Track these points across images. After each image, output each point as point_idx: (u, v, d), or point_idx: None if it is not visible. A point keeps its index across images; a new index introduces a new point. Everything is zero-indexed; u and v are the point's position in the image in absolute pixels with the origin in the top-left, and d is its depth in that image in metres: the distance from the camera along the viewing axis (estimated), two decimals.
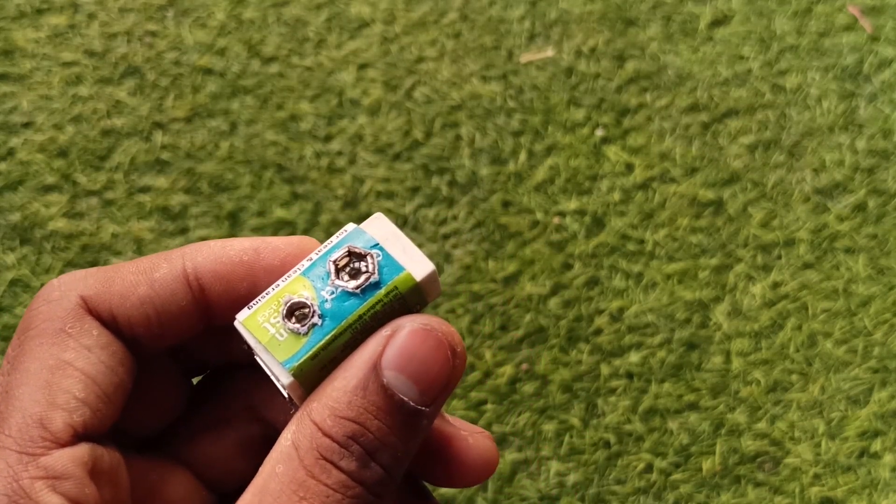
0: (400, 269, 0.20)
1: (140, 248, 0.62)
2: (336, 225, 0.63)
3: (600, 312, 0.61)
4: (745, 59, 0.71)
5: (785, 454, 0.58)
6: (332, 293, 0.20)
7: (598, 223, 0.64)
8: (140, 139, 0.66)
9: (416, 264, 0.20)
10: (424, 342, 0.19)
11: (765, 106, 0.69)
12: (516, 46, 0.71)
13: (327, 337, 0.19)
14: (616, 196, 0.65)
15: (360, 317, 0.20)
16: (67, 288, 0.20)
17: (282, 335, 0.20)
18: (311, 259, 0.21)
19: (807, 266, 0.64)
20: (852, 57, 0.71)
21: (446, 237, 0.63)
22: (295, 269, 0.21)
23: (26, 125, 0.66)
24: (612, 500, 0.57)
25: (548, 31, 0.71)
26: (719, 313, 0.62)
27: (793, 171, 0.67)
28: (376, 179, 0.65)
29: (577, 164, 0.66)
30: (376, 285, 0.20)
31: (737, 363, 0.60)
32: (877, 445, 0.59)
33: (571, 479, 0.57)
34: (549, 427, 0.58)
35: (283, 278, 0.20)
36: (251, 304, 0.20)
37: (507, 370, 0.59)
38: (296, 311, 0.20)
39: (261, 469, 0.19)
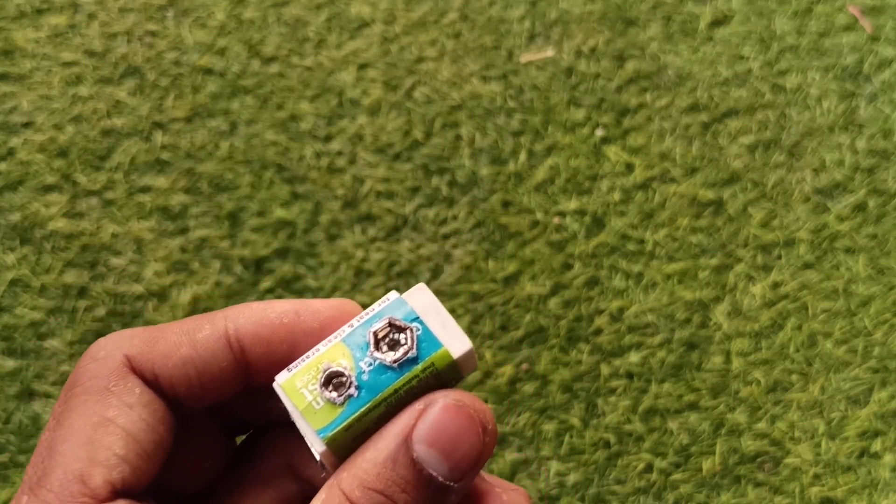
0: (438, 345, 0.20)
1: (140, 248, 0.62)
2: (336, 225, 0.63)
3: (600, 312, 0.61)
4: (745, 59, 0.71)
5: (785, 454, 0.58)
6: (371, 364, 0.20)
7: (598, 223, 0.64)
8: (140, 139, 0.66)
9: (455, 341, 0.21)
10: (456, 418, 0.19)
11: (765, 106, 0.69)
12: (516, 46, 0.71)
13: (362, 409, 0.20)
14: (616, 196, 0.65)
15: (396, 391, 0.20)
16: (113, 347, 0.21)
17: (318, 403, 0.20)
18: (352, 326, 0.21)
19: (807, 266, 0.64)
20: (852, 57, 0.71)
21: (446, 237, 0.63)
22: (336, 334, 0.21)
23: (26, 125, 0.66)
24: (612, 500, 0.57)
25: (548, 31, 0.71)
26: (719, 313, 0.62)
27: (793, 171, 0.67)
28: (376, 179, 0.65)
29: (577, 164, 0.66)
30: (414, 360, 0.20)
31: (737, 363, 0.60)
32: (877, 445, 0.59)
33: (571, 479, 0.57)
34: (549, 427, 0.58)
35: (323, 342, 0.21)
36: (291, 366, 0.21)
37: (507, 370, 0.59)
38: (333, 380, 0.20)
39: None
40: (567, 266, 0.63)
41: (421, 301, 0.21)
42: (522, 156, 0.66)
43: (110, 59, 0.69)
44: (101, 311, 0.60)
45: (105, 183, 0.64)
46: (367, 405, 0.20)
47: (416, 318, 0.21)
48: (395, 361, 0.20)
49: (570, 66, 0.70)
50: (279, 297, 0.61)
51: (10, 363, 0.58)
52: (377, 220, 0.63)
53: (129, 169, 0.65)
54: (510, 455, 0.57)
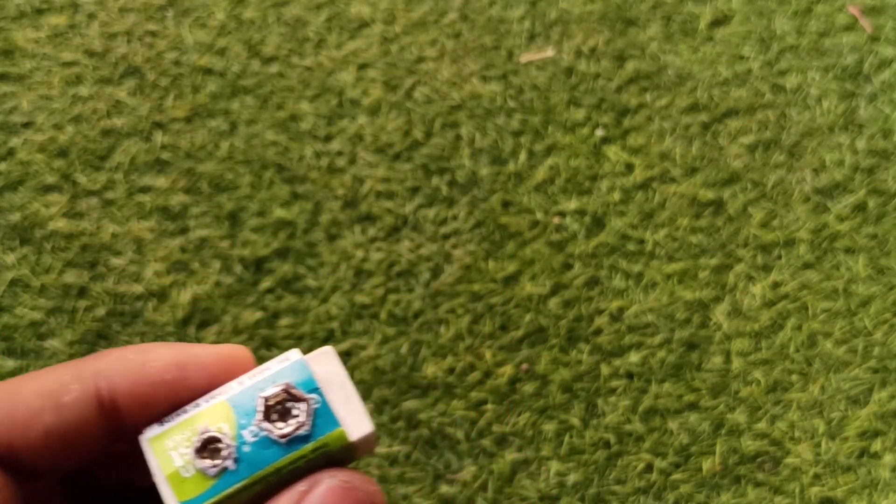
0: (335, 424, 0.18)
1: (140, 248, 0.62)
2: (336, 225, 0.63)
3: (600, 312, 0.61)
4: (745, 59, 0.71)
5: (785, 454, 0.58)
6: (255, 435, 0.18)
7: (598, 223, 0.64)
8: (140, 139, 0.66)
9: (355, 421, 0.18)
10: (343, 501, 0.17)
11: (765, 106, 0.69)
12: (516, 46, 0.71)
13: (236, 486, 0.18)
14: (616, 196, 0.65)
15: (279, 469, 0.18)
16: None
17: (188, 471, 0.18)
18: (242, 384, 0.19)
19: (807, 266, 0.64)
20: (852, 57, 0.71)
21: (446, 237, 0.63)
22: (222, 389, 0.19)
23: (26, 125, 0.66)
24: (612, 500, 0.57)
25: (548, 31, 0.71)
26: (719, 313, 0.62)
27: (793, 171, 0.67)
28: (376, 179, 0.65)
29: (577, 164, 0.66)
30: (305, 438, 0.18)
31: (737, 363, 0.60)
32: (877, 445, 0.59)
33: (571, 479, 0.57)
34: (549, 427, 0.58)
35: (206, 397, 0.19)
36: (165, 419, 0.18)
37: (507, 370, 0.59)
38: (209, 446, 0.18)
39: None
40: (567, 266, 0.63)
41: (325, 368, 0.19)
42: (522, 156, 0.66)
43: (110, 59, 0.69)
44: (101, 311, 0.60)
45: (105, 183, 0.64)
46: (243, 482, 0.18)
47: (316, 389, 0.18)
48: (283, 437, 0.18)
49: (570, 66, 0.70)
50: (279, 297, 0.61)
51: (10, 363, 0.58)
52: (377, 220, 0.63)
53: (129, 169, 0.65)
54: (510, 455, 0.57)
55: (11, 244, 0.62)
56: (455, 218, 0.64)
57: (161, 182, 0.64)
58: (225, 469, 0.18)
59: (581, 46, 0.71)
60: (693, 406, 0.59)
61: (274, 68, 0.69)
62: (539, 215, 0.64)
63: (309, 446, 0.18)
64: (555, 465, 0.57)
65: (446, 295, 0.61)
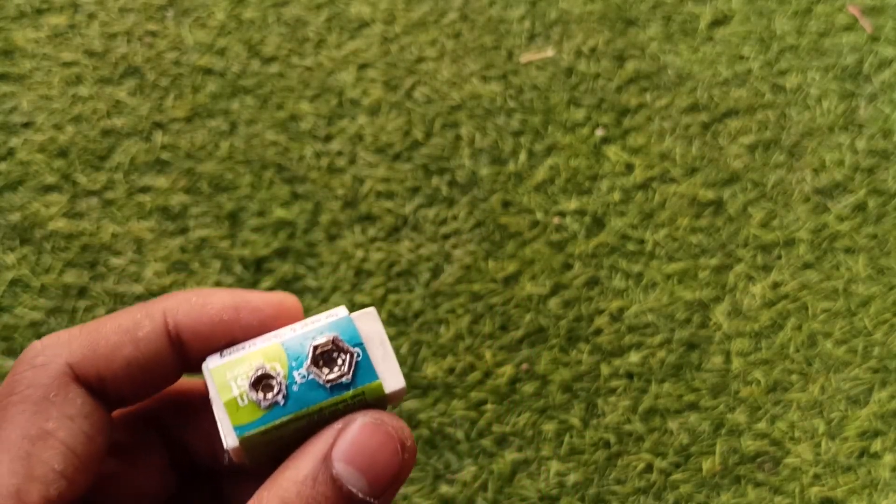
0: (374, 376, 0.20)
1: (140, 248, 0.62)
2: (336, 225, 0.63)
3: (600, 312, 0.61)
4: (745, 59, 0.71)
5: (785, 454, 0.58)
6: (304, 378, 0.20)
7: (598, 223, 0.64)
8: (140, 139, 0.66)
9: (391, 377, 0.21)
10: (374, 436, 0.20)
11: (765, 106, 0.69)
12: (516, 46, 0.71)
13: (283, 419, 0.20)
14: (616, 196, 0.65)
15: (321, 409, 0.20)
16: (53, 353, 0.20)
17: (243, 400, 0.20)
18: (295, 330, 0.21)
19: (807, 266, 0.64)
20: (852, 57, 0.71)
21: (446, 237, 0.63)
22: (276, 333, 0.21)
23: (26, 125, 0.66)
24: (612, 500, 0.57)
25: (548, 31, 0.71)
26: (719, 313, 0.62)
27: (793, 171, 0.67)
28: (376, 179, 0.65)
29: (577, 164, 0.66)
30: (347, 386, 0.20)
31: (737, 363, 0.60)
32: (877, 445, 0.59)
33: (571, 479, 0.57)
34: (549, 427, 0.58)
35: (263, 338, 0.21)
36: (225, 351, 0.21)
37: (507, 370, 0.59)
38: (263, 382, 0.20)
39: None
40: (567, 266, 0.63)
41: (368, 327, 0.21)
42: (522, 156, 0.66)
43: (110, 59, 0.69)
44: (101, 311, 0.60)
45: (105, 183, 0.64)
46: (290, 416, 0.20)
47: (360, 344, 0.21)
48: (327, 382, 0.20)
49: (570, 66, 0.70)
50: None
51: (10, 363, 0.58)
52: (377, 220, 0.63)
53: (129, 169, 0.65)
54: (510, 455, 0.57)
55: (11, 244, 0.62)
56: (455, 218, 0.64)
57: (161, 182, 0.64)
58: (275, 403, 0.20)
59: (581, 46, 0.71)
60: (693, 406, 0.59)
61: (274, 68, 0.69)
62: (539, 215, 0.64)
63: (349, 393, 0.20)
64: (555, 465, 0.57)
65: (446, 295, 0.61)
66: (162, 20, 0.70)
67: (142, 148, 0.65)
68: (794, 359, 0.61)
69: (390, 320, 0.60)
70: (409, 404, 0.58)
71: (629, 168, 0.66)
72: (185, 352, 0.21)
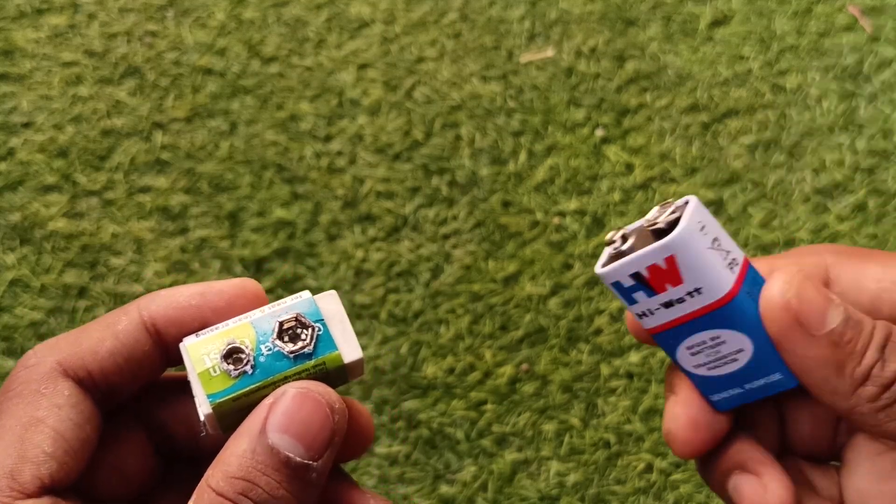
0: (334, 347, 0.22)
1: (140, 248, 0.62)
2: (336, 225, 0.63)
3: (600, 312, 0.61)
4: (745, 59, 0.71)
5: None
6: (270, 350, 0.22)
7: (598, 223, 0.64)
8: (140, 139, 0.66)
9: (349, 348, 0.23)
10: (304, 404, 0.21)
11: (765, 106, 0.69)
12: (516, 46, 0.71)
13: (252, 386, 0.22)
14: (616, 196, 0.65)
15: (286, 378, 0.22)
16: (43, 354, 0.23)
17: (215, 371, 0.22)
18: (263, 312, 0.23)
19: None
20: (852, 57, 0.71)
21: (446, 237, 0.63)
22: (246, 315, 0.23)
23: (26, 125, 0.66)
24: (612, 500, 0.57)
25: (548, 31, 0.71)
26: None
27: (793, 171, 0.67)
28: (376, 179, 0.65)
29: (577, 164, 0.66)
30: (308, 356, 0.22)
31: None
32: None
33: (571, 479, 0.57)
34: (549, 427, 0.58)
35: (234, 319, 0.23)
36: (200, 332, 0.23)
37: (507, 370, 0.59)
38: (233, 355, 0.22)
39: None
40: (567, 266, 0.63)
41: (329, 306, 0.23)
42: (522, 156, 0.66)
43: (110, 59, 0.69)
44: (101, 311, 0.60)
45: (105, 183, 0.64)
46: (257, 384, 0.22)
47: (321, 320, 0.23)
48: (291, 352, 0.22)
49: (570, 66, 0.70)
50: (279, 297, 0.61)
51: (10, 363, 0.58)
52: (377, 220, 0.64)
53: (129, 169, 0.65)
54: (510, 455, 0.57)
55: (11, 244, 0.62)
56: (455, 218, 0.64)
57: (161, 182, 0.64)
58: (244, 373, 0.22)
59: (581, 46, 0.71)
60: None
61: (274, 68, 0.69)
62: (539, 215, 0.64)
63: (311, 362, 0.22)
64: (555, 465, 0.57)
65: (446, 295, 0.61)
66: (162, 20, 0.70)
67: (142, 148, 0.65)
68: None
69: (390, 320, 0.60)
70: (410, 404, 0.58)
71: (629, 168, 0.66)
72: (164, 341, 0.24)
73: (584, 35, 0.71)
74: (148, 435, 0.25)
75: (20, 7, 0.70)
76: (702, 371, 0.24)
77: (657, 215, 0.22)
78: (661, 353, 0.60)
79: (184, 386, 0.24)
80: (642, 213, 0.65)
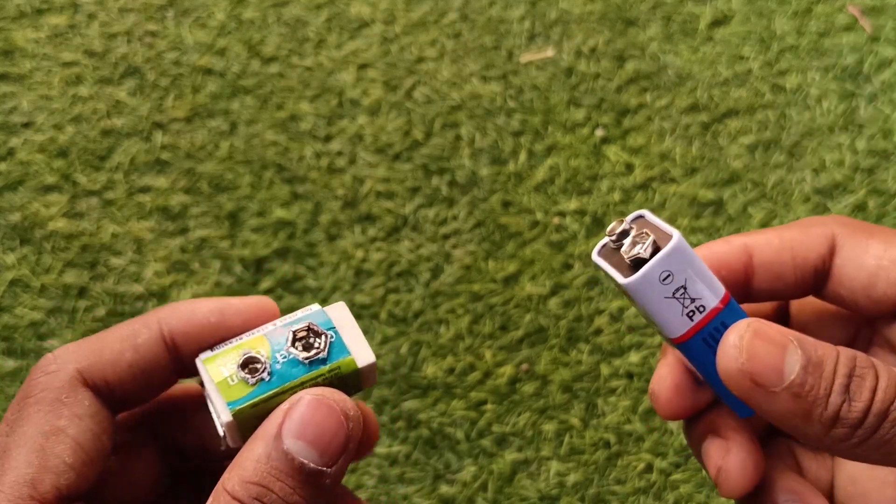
0: (347, 353, 0.23)
1: (140, 248, 0.62)
2: (336, 225, 0.63)
3: (600, 312, 0.61)
4: (745, 59, 0.71)
5: None
6: (285, 357, 0.23)
7: (598, 223, 0.64)
8: (140, 139, 0.66)
9: (363, 353, 0.23)
10: (319, 410, 0.22)
11: (765, 106, 0.69)
12: (516, 46, 0.71)
13: (269, 393, 0.22)
14: (616, 196, 0.65)
15: (302, 383, 0.23)
16: (64, 361, 0.23)
17: (233, 380, 0.22)
18: (276, 325, 0.24)
19: None
20: (852, 57, 0.71)
21: (446, 237, 0.63)
22: (260, 328, 0.24)
23: (26, 125, 0.66)
24: (612, 500, 0.57)
25: (548, 31, 0.71)
26: None
27: (793, 171, 0.67)
28: (376, 179, 0.65)
29: (577, 164, 0.66)
30: (323, 361, 0.23)
31: None
32: None
33: (571, 479, 0.57)
34: (549, 427, 0.58)
35: (248, 333, 0.24)
36: (215, 347, 0.23)
37: (507, 370, 0.59)
38: (250, 364, 0.23)
39: None
40: (567, 266, 0.63)
41: (339, 315, 0.24)
42: (522, 156, 0.66)
43: (110, 59, 0.69)
44: (101, 311, 0.60)
45: (105, 183, 0.64)
46: (275, 390, 0.22)
47: (332, 328, 0.23)
48: (306, 359, 0.23)
49: (570, 66, 0.70)
50: (279, 297, 0.61)
51: (11, 363, 0.58)
52: (377, 220, 0.64)
53: (129, 169, 0.65)
54: (510, 455, 0.57)
55: (11, 244, 0.62)
56: (455, 218, 0.64)
57: (161, 182, 0.64)
58: (262, 380, 0.22)
59: (581, 46, 0.71)
60: None
61: (274, 68, 0.69)
62: (539, 215, 0.64)
63: (326, 367, 0.23)
64: (555, 465, 0.57)
65: (446, 295, 0.61)
66: (162, 20, 0.70)
67: (142, 148, 0.65)
68: None
69: (390, 320, 0.60)
70: (410, 404, 0.58)
71: (629, 168, 0.66)
72: (180, 355, 0.24)
73: (584, 35, 0.71)
74: (157, 446, 0.26)
75: (20, 7, 0.70)
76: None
77: (632, 242, 0.23)
78: (660, 354, 0.60)
79: (196, 403, 0.25)
80: None
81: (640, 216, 0.24)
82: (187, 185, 0.64)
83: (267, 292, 0.61)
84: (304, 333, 0.23)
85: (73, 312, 0.60)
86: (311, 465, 0.21)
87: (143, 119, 0.66)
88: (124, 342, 0.24)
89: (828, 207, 0.65)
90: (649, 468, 0.57)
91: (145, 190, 0.64)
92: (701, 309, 0.23)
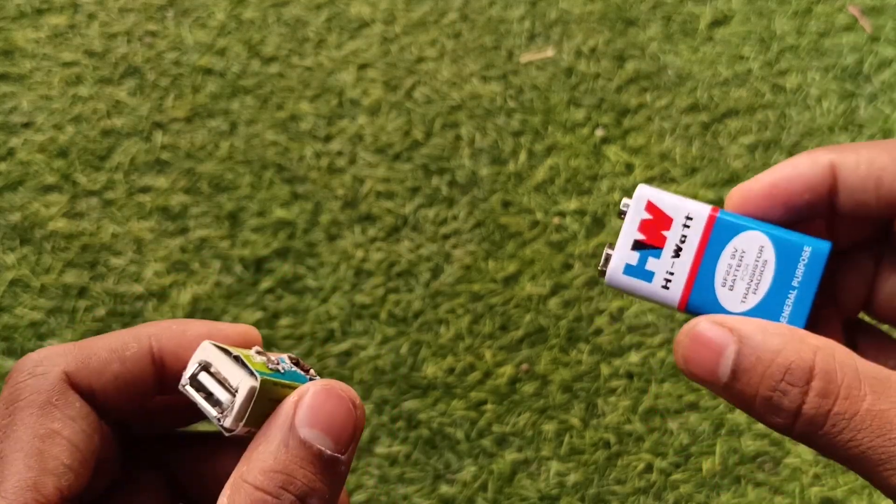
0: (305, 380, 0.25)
1: (140, 248, 0.62)
2: (336, 225, 0.63)
3: (600, 312, 0.61)
4: (745, 59, 0.71)
5: (785, 454, 0.58)
6: (284, 370, 0.24)
7: (598, 223, 0.64)
8: (140, 139, 0.66)
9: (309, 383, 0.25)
10: (329, 399, 0.22)
11: (765, 106, 0.69)
12: (516, 46, 0.71)
13: (283, 380, 0.23)
14: (616, 196, 0.65)
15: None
16: (51, 363, 0.24)
17: (255, 357, 0.23)
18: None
19: None
20: (852, 57, 0.71)
21: (446, 237, 0.63)
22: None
23: (26, 125, 0.66)
24: (612, 500, 0.57)
25: (548, 31, 0.71)
26: None
27: None
28: (376, 179, 0.65)
29: (577, 164, 0.66)
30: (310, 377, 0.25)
31: None
32: None
33: (571, 479, 0.57)
34: (549, 427, 0.58)
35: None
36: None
37: (507, 370, 0.59)
38: (262, 354, 0.24)
39: None
40: (567, 266, 0.63)
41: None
42: (522, 156, 0.66)
43: (110, 59, 0.69)
44: (101, 311, 0.60)
45: (105, 183, 0.64)
46: (287, 381, 0.23)
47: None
48: (304, 372, 0.24)
49: (570, 66, 0.70)
50: (279, 297, 0.61)
51: (10, 363, 0.58)
52: (377, 220, 0.64)
53: (129, 169, 0.65)
54: (510, 455, 0.57)
55: (11, 244, 0.62)
56: (455, 218, 0.64)
57: (161, 182, 0.64)
58: (276, 369, 0.23)
59: (581, 46, 0.71)
60: (693, 406, 0.59)
61: (274, 68, 0.69)
62: (539, 215, 0.64)
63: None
64: (555, 465, 0.57)
65: (446, 295, 0.61)
66: (162, 20, 0.70)
67: (142, 148, 0.65)
68: None
69: (390, 320, 0.60)
70: (410, 404, 0.58)
71: (629, 168, 0.66)
72: (164, 373, 0.25)
73: (584, 35, 0.71)
74: (161, 479, 0.26)
75: (20, 7, 0.70)
76: (752, 300, 0.24)
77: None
78: (660, 354, 0.60)
79: (190, 440, 0.26)
80: None
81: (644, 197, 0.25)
82: (187, 185, 0.64)
83: (267, 292, 0.61)
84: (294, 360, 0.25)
85: (73, 312, 0.60)
86: (328, 451, 0.22)
87: (143, 119, 0.66)
88: (112, 353, 0.24)
89: None
90: (649, 468, 0.57)
91: (145, 190, 0.64)
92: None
